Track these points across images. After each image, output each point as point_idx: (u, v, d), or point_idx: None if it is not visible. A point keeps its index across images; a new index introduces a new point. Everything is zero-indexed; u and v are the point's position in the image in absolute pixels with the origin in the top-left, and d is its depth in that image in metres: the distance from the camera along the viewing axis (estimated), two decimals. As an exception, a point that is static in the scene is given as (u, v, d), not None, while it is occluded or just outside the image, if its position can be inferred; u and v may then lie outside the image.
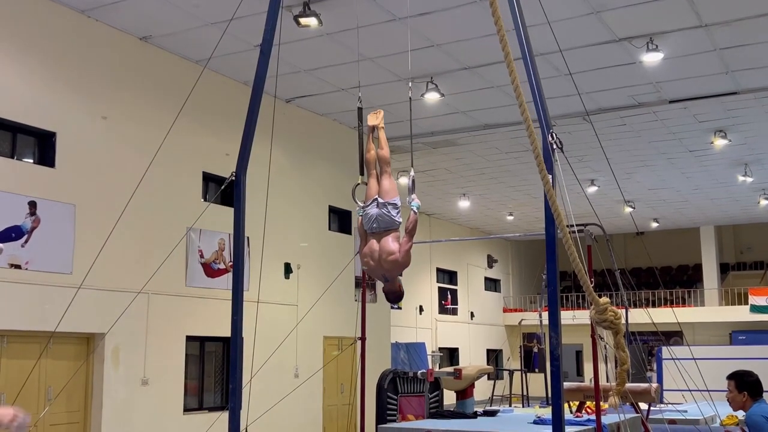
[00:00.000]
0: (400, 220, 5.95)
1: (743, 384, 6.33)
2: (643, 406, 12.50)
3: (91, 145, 11.52)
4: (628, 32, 12.17)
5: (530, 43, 5.68)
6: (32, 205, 10.58)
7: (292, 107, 15.47)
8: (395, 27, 11.70)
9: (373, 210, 5.91)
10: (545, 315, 8.92)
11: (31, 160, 11.04)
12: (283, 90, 13.92)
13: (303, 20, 11.06)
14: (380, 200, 5.92)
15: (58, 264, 10.77)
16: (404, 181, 6.22)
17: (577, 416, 9.92)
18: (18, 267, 10.33)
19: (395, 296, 6.02)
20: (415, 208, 5.90)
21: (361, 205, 6.05)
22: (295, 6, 10.93)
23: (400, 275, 5.99)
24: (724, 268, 31.69)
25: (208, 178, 13.50)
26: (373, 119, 6.44)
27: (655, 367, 22.07)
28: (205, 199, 13.21)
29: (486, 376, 15.69)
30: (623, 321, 5.87)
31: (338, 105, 15.30)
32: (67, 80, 11.28)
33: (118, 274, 11.27)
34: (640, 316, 15.98)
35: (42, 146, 11.10)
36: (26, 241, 10.46)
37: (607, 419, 8.88)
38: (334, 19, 11.44)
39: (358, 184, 6.32)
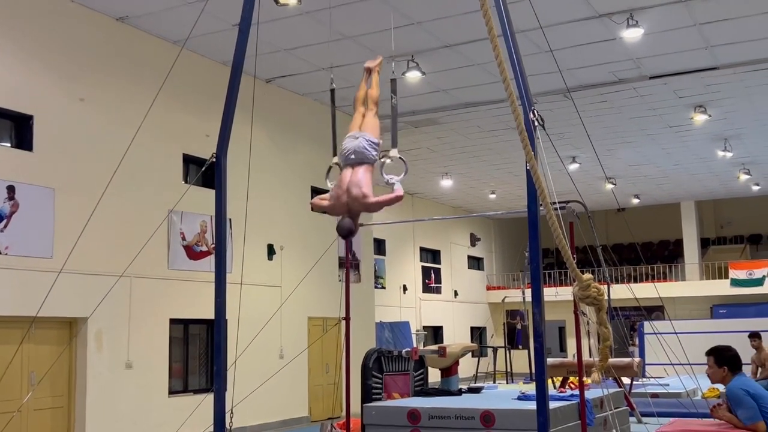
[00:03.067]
0: (376, 157, 5.92)
1: (722, 359, 6.45)
2: (626, 380, 12.63)
3: (69, 127, 11.39)
4: (608, 8, 12.15)
5: (511, 19, 5.65)
6: (10, 189, 10.46)
7: (273, 87, 15.36)
8: (375, 5, 11.60)
9: (350, 143, 5.90)
10: (528, 292, 8.95)
11: (9, 144, 10.90)
12: (262, 70, 13.80)
13: (282, -1, 10.94)
14: (357, 133, 5.92)
15: (38, 248, 10.68)
16: (390, 162, 6.21)
17: (561, 391, 9.98)
18: (-3, 252, 10.24)
19: (348, 231, 5.79)
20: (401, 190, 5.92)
21: (332, 186, 6.03)
22: (273, -16, 10.81)
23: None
24: (704, 243, 31.92)
25: (189, 160, 13.40)
26: (371, 63, 6.55)
27: (637, 342, 22.28)
28: (186, 181, 13.12)
29: (470, 353, 15.73)
30: (606, 297, 5.90)
31: (319, 84, 15.18)
32: (43, 62, 11.13)
33: (100, 257, 11.20)
34: (622, 292, 16.11)
35: (19, 129, 10.95)
36: (5, 226, 10.36)
37: (591, 394, 8.94)
38: (314, -3, 11.31)
39: (332, 165, 6.27)
